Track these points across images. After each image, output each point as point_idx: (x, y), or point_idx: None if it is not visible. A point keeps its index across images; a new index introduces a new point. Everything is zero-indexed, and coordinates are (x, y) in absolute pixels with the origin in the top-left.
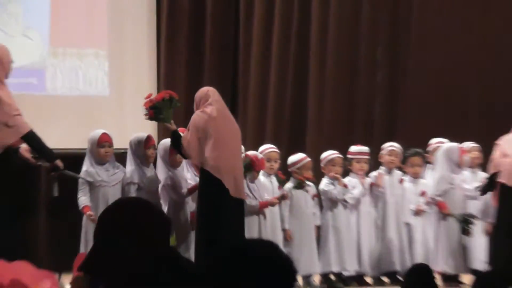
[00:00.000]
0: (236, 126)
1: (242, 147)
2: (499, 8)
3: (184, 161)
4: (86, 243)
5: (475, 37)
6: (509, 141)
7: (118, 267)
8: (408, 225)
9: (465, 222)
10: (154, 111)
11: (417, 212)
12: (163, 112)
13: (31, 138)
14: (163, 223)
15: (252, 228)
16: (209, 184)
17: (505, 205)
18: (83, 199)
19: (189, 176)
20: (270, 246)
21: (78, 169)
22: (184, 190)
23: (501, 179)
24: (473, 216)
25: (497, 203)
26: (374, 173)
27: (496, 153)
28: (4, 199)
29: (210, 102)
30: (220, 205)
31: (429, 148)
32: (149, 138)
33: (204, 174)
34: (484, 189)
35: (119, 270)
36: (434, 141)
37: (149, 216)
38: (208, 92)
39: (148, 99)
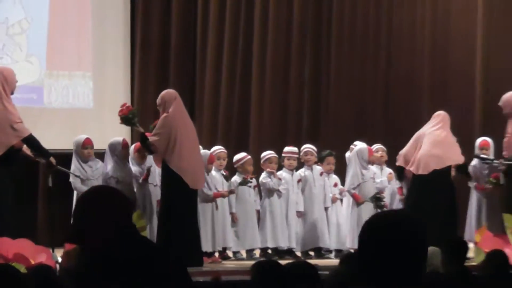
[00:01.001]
0: (194, 128)
1: (200, 146)
2: (399, 42)
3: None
4: None
5: (381, 63)
6: (419, 137)
7: (89, 236)
8: (327, 209)
9: (377, 200)
10: (127, 115)
11: (333, 200)
12: (132, 118)
13: (31, 140)
14: (124, 205)
15: (206, 212)
16: (171, 178)
17: (414, 190)
18: (83, 187)
19: (157, 170)
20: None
21: (67, 164)
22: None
23: (412, 169)
24: (380, 193)
25: (408, 189)
26: (300, 170)
27: (409, 144)
28: (8, 189)
29: (173, 107)
30: (178, 194)
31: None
32: (124, 141)
33: (167, 169)
34: (399, 178)
35: (90, 238)
36: (355, 143)
37: (112, 199)
38: (171, 97)
39: (124, 108)
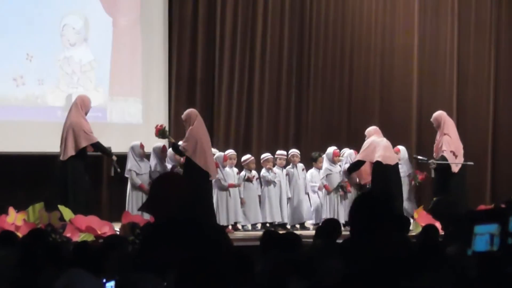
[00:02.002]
0: (209, 136)
1: (217, 150)
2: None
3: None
4: (131, 204)
5: (345, 92)
6: (380, 142)
7: (161, 209)
8: (307, 194)
9: (341, 187)
10: (159, 133)
11: (319, 188)
12: (164, 133)
13: (98, 144)
14: (185, 186)
15: (223, 198)
16: (193, 170)
17: (377, 177)
18: (138, 180)
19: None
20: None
21: (122, 162)
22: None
23: (380, 159)
24: (342, 181)
25: (372, 176)
26: (288, 167)
27: (368, 148)
28: (83, 177)
29: (196, 121)
30: (200, 180)
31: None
32: (164, 146)
33: (191, 162)
34: (350, 170)
35: (161, 211)
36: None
37: (179, 182)
38: (194, 115)
39: (157, 127)
